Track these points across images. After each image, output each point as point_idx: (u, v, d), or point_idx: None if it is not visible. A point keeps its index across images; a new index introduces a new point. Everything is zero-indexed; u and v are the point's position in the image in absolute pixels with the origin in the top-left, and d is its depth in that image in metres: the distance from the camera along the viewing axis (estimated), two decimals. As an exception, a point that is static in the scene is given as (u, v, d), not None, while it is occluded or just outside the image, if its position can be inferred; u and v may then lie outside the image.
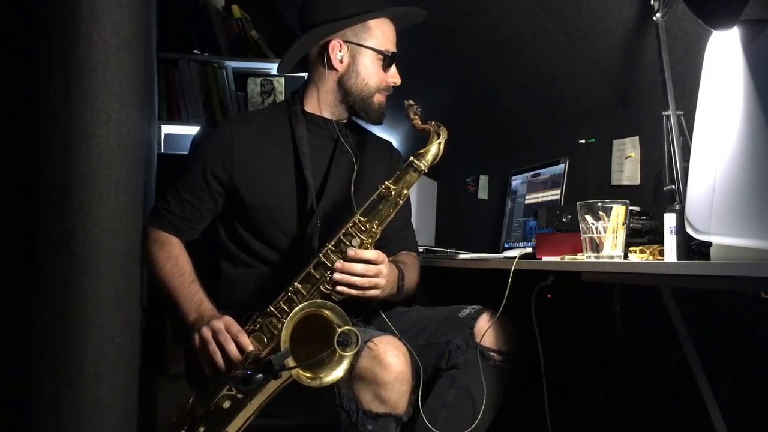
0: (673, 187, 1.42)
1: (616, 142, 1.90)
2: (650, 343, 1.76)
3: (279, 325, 1.39)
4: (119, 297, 1.25)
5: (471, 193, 2.69)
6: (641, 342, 1.79)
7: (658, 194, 1.71)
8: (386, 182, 1.42)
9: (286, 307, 1.41)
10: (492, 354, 1.55)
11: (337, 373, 1.31)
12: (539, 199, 2.19)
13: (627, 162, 1.85)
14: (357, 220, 1.42)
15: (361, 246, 1.41)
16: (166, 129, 2.98)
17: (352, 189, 1.57)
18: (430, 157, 1.42)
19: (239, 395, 1.36)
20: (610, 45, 1.75)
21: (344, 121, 1.67)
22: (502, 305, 1.51)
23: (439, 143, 1.42)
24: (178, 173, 1.57)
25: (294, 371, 1.29)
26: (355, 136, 1.69)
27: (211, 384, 1.40)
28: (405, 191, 1.43)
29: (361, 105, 1.61)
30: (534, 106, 2.21)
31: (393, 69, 1.63)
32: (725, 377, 1.53)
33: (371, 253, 1.41)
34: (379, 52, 1.60)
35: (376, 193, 1.43)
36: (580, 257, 1.40)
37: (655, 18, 1.50)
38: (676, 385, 1.64)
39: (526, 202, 2.26)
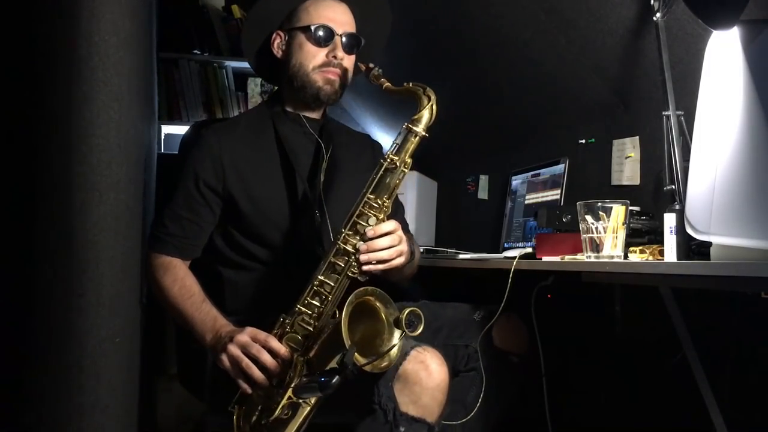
0: (673, 187, 1.42)
1: (616, 142, 1.90)
2: (650, 343, 1.76)
3: (312, 321, 1.37)
4: (119, 297, 1.25)
5: (471, 193, 2.69)
6: (641, 342, 1.79)
7: (658, 194, 1.71)
8: (389, 155, 1.40)
9: (315, 302, 1.37)
10: (511, 357, 1.58)
11: (392, 353, 1.31)
12: (539, 199, 2.19)
13: (627, 162, 1.85)
14: (367, 199, 1.40)
15: (376, 223, 1.40)
16: (166, 129, 2.98)
17: (322, 178, 1.57)
18: (424, 120, 1.40)
19: (301, 401, 1.31)
20: (610, 45, 1.75)
21: (319, 118, 1.66)
22: (501, 305, 1.51)
23: (431, 106, 1.40)
24: (170, 195, 1.56)
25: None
26: (335, 132, 1.69)
27: (255, 397, 1.36)
28: (408, 159, 1.40)
29: (302, 86, 1.57)
30: (534, 106, 2.21)
31: (333, 43, 1.56)
32: (725, 377, 1.53)
33: (389, 225, 1.39)
34: (305, 28, 1.56)
35: (382, 169, 1.40)
36: (580, 257, 1.40)
37: (655, 18, 1.50)
38: (676, 385, 1.64)
39: (526, 202, 2.26)
